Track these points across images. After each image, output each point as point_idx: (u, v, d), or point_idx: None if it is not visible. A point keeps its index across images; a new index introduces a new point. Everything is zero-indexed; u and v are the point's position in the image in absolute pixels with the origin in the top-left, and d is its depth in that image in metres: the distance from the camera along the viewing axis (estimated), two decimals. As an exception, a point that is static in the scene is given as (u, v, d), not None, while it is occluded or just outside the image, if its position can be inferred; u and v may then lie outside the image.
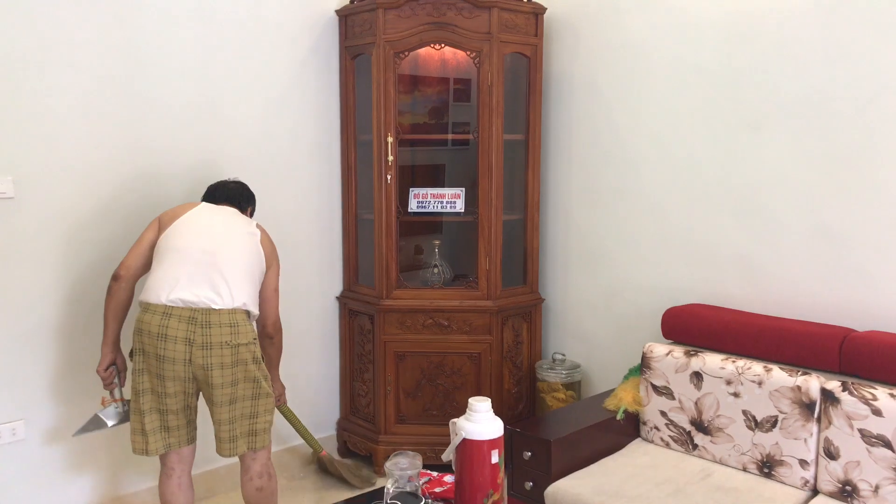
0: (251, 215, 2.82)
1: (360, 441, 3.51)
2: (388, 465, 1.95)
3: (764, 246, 2.83)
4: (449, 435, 1.97)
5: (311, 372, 3.57)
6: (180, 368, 2.37)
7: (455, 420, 1.97)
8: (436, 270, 3.54)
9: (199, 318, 2.36)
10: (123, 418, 2.58)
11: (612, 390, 2.94)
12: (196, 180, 3.06)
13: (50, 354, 2.82)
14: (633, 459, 2.66)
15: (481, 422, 1.93)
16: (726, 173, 2.91)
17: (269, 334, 2.67)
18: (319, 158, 3.50)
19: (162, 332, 2.36)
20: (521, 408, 3.50)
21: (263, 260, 2.58)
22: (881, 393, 2.25)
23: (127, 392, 2.58)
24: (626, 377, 2.96)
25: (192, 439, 2.55)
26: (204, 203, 2.64)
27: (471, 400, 1.95)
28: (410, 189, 3.43)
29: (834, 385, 2.35)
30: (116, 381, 2.57)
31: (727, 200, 2.92)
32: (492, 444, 1.93)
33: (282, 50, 3.32)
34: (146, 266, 2.53)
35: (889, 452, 2.21)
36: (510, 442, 2.66)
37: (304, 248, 3.49)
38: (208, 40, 3.10)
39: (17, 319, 2.74)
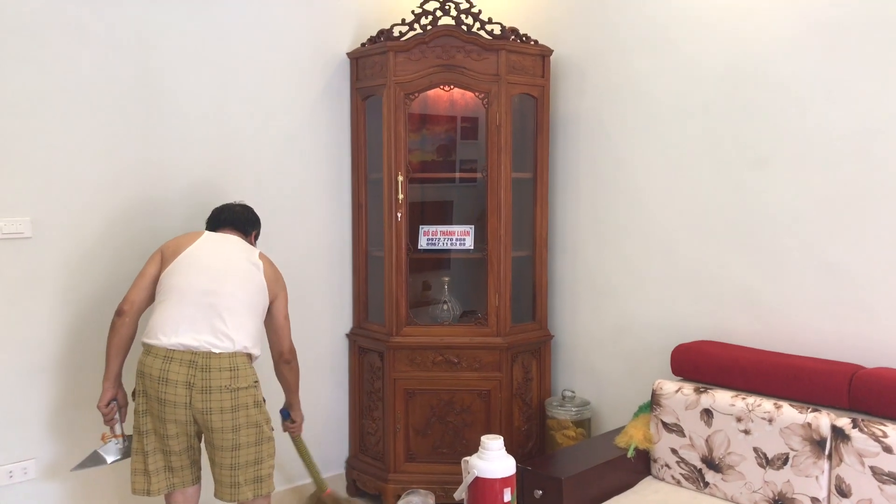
0: (256, 239, 2.85)
1: (369, 480, 3.50)
2: (400, 503, 1.96)
3: (769, 282, 2.85)
4: (460, 473, 1.98)
5: (320, 409, 3.58)
6: (181, 412, 2.40)
7: (467, 458, 1.99)
8: (445, 307, 3.56)
9: (199, 361, 2.38)
10: (124, 454, 2.58)
11: (623, 427, 2.94)
12: (205, 217, 3.11)
13: (61, 392, 2.84)
14: (645, 497, 2.66)
15: (494, 460, 1.95)
16: (732, 210, 2.95)
17: (286, 360, 2.71)
18: (330, 196, 3.55)
19: (163, 377, 2.38)
20: (530, 445, 3.50)
21: (267, 293, 2.59)
22: (891, 430, 2.26)
23: (128, 428, 2.60)
24: (636, 414, 2.96)
25: (196, 479, 2.56)
26: (207, 233, 2.66)
27: (483, 438, 1.97)
28: (420, 226, 3.47)
29: (844, 422, 2.35)
30: (117, 416, 2.57)
31: (733, 237, 2.95)
32: (504, 482, 1.94)
33: (295, 91, 3.40)
34: (149, 300, 2.55)
35: (901, 490, 2.21)
36: (521, 480, 2.66)
37: (315, 285, 3.53)
38: (224, 82, 3.18)
39: (31, 357, 2.77)
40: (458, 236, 3.45)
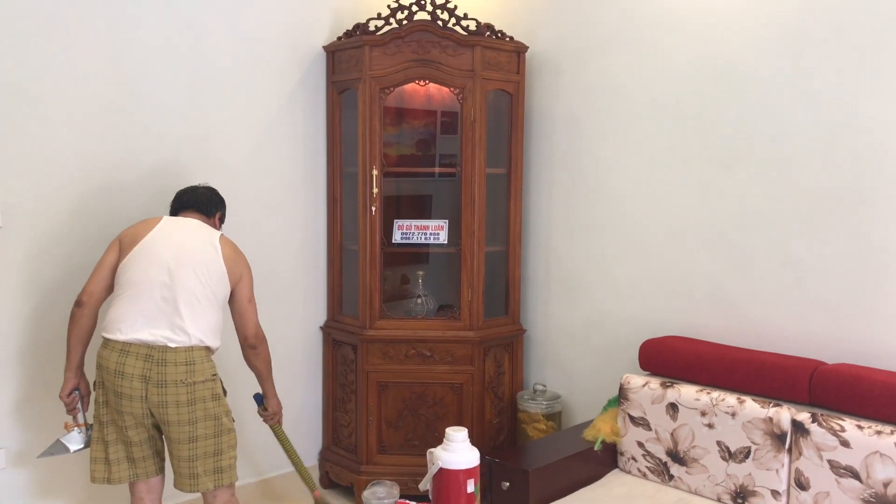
0: (221, 221, 2.81)
1: (342, 472, 3.52)
2: (365, 493, 1.98)
3: (736, 279, 2.90)
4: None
5: (295, 402, 3.59)
6: (137, 405, 2.40)
7: (432, 450, 2.01)
8: (419, 301, 3.58)
9: (155, 355, 2.38)
10: (86, 443, 2.59)
11: (591, 421, 2.98)
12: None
13: (29, 381, 2.83)
14: (611, 490, 2.70)
15: (458, 451, 1.97)
16: (701, 208, 2.99)
17: (251, 345, 2.64)
18: (306, 190, 3.56)
19: (119, 370, 2.39)
20: (502, 438, 3.53)
21: (227, 279, 2.54)
22: (849, 424, 2.31)
23: (90, 417, 2.60)
24: (605, 408, 3.00)
25: (160, 469, 2.57)
26: (165, 219, 2.60)
27: (448, 430, 1.99)
28: (395, 220, 3.49)
29: (804, 416, 2.40)
30: (79, 406, 2.58)
31: (702, 234, 2.99)
32: (468, 473, 1.96)
33: (270, 84, 3.40)
34: (108, 290, 2.53)
35: (857, 483, 2.26)
36: (489, 472, 2.70)
37: (290, 278, 3.54)
38: (199, 74, 3.17)
39: (3, 345, 2.77)
40: (432, 231, 3.47)
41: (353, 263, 3.49)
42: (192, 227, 2.61)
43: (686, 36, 3.00)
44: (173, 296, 2.42)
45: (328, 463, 3.62)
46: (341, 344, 3.53)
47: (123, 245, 2.53)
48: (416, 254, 3.71)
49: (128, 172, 3.01)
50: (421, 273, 3.61)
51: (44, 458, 2.63)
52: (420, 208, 3.83)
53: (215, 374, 2.50)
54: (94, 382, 2.53)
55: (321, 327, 3.65)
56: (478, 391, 3.38)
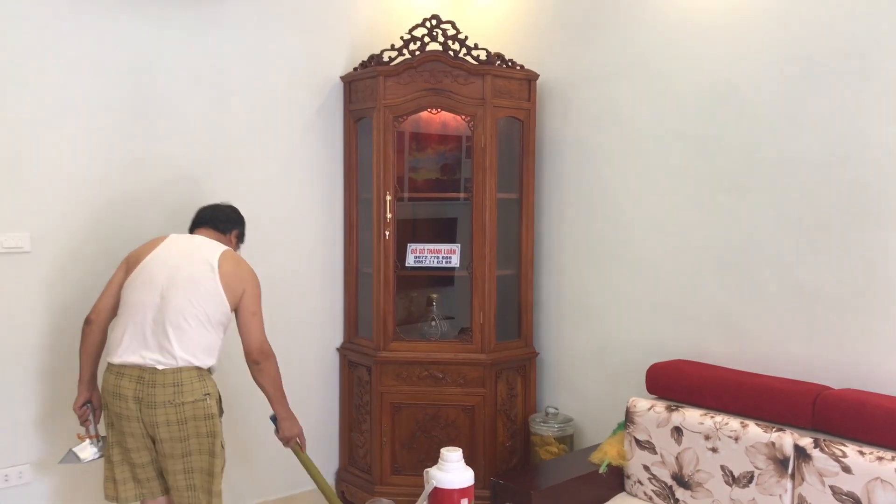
0: (239, 239, 2.87)
1: (356, 492, 3.58)
2: (362, 511, 2.04)
3: (743, 304, 2.91)
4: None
5: (312, 422, 3.65)
6: (135, 425, 2.48)
7: (428, 469, 2.06)
8: (433, 324, 3.64)
9: (146, 377, 2.46)
10: (96, 454, 2.67)
11: (599, 444, 3.00)
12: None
13: (55, 397, 2.95)
14: (615, 513, 2.71)
15: (452, 471, 2.02)
16: (708, 233, 3.01)
17: (253, 360, 2.61)
18: (323, 215, 3.66)
19: (116, 391, 2.48)
20: (515, 461, 3.56)
21: (224, 297, 2.54)
22: (850, 450, 2.30)
23: (102, 429, 2.69)
24: (614, 431, 3.02)
25: (165, 490, 2.61)
26: (170, 238, 2.65)
27: (443, 450, 2.05)
28: (408, 244, 3.57)
29: (806, 442, 2.40)
30: (91, 418, 2.67)
31: (709, 259, 3.01)
32: (462, 493, 2.01)
33: (290, 113, 3.52)
34: (116, 308, 2.61)
35: (859, 509, 2.25)
36: (494, 494, 2.73)
37: (308, 300, 3.63)
38: (221, 105, 3.31)
39: (31, 363, 2.90)
40: (444, 254, 3.54)
41: (368, 286, 3.57)
42: (194, 245, 2.64)
43: (690, 63, 3.04)
44: (162, 318, 2.48)
45: (344, 483, 3.68)
46: (357, 365, 3.60)
47: (129, 264, 2.62)
48: (433, 277, 3.78)
49: (150, 199, 3.14)
50: (435, 296, 3.67)
51: (62, 464, 2.75)
52: (444, 231, 3.89)
53: (208, 394, 2.52)
54: (103, 404, 2.63)
55: (337, 349, 3.73)
56: (490, 413, 3.42)
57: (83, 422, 2.68)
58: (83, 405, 2.65)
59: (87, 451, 2.66)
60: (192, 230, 2.81)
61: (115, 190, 3.05)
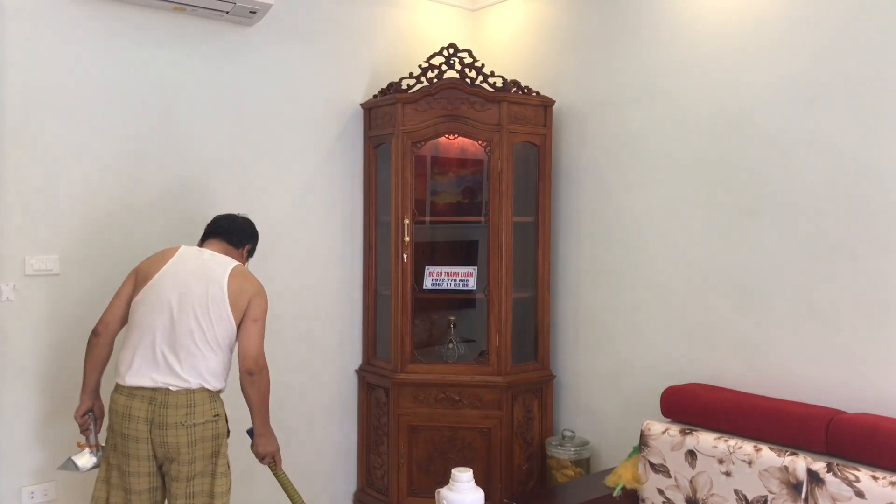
0: (250, 254, 2.85)
1: (374, 512, 3.61)
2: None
3: (758, 328, 2.91)
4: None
5: (331, 443, 3.72)
6: (143, 447, 2.48)
7: (440, 490, 2.10)
8: (451, 346, 3.68)
9: (158, 398, 2.47)
10: (95, 463, 2.66)
11: (615, 467, 3.00)
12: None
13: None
14: (629, 536, 2.72)
15: (462, 491, 2.06)
16: (722, 258, 3.03)
17: (248, 369, 2.54)
18: (343, 238, 3.73)
19: (126, 413, 2.47)
20: (531, 484, 3.57)
21: (232, 319, 2.54)
22: (864, 475, 2.29)
23: (102, 438, 2.69)
24: (630, 455, 3.02)
25: None
26: (181, 251, 2.62)
27: (454, 470, 2.09)
28: (426, 267, 3.62)
29: (819, 466, 2.39)
30: (91, 427, 2.67)
31: (723, 283, 3.02)
32: (472, 513, 2.04)
33: (311, 139, 3.61)
34: (123, 320, 2.61)
35: (873, 535, 2.24)
36: (508, 515, 2.75)
37: (327, 322, 3.69)
38: (243, 131, 3.41)
39: (58, 383, 2.98)
40: (461, 277, 3.59)
41: (387, 308, 3.62)
42: (204, 263, 2.60)
43: (704, 89, 3.08)
44: (173, 342, 2.49)
45: (362, 504, 3.72)
46: (375, 387, 3.65)
47: (138, 279, 2.60)
48: (451, 300, 3.82)
49: (176, 223, 3.23)
50: (453, 318, 3.72)
51: (61, 470, 2.74)
52: (464, 254, 3.93)
53: (218, 415, 2.54)
54: (108, 426, 2.62)
55: (356, 370, 3.78)
56: (506, 436, 3.44)
57: (84, 430, 2.67)
58: (84, 413, 2.65)
59: (86, 459, 2.64)
60: (205, 237, 2.77)
61: (141, 214, 3.14)
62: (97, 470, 2.64)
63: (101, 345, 2.61)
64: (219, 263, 2.61)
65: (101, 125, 3.05)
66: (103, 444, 2.68)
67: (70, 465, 2.65)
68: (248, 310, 2.57)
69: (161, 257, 2.62)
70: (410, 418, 3.47)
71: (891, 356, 2.57)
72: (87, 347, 2.64)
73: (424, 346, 3.77)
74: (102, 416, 2.71)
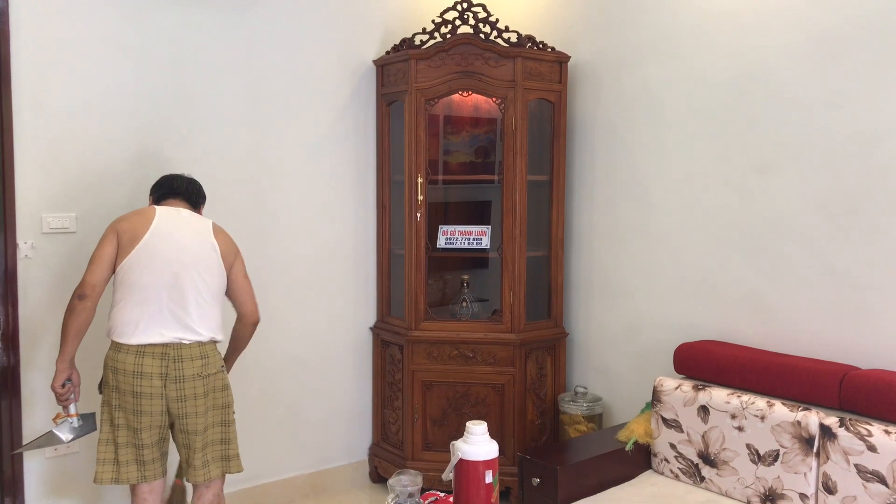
0: (201, 212, 2.83)
1: (389, 466, 3.67)
2: (390, 481, 2.11)
3: (772, 284, 2.91)
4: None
5: (346, 399, 3.77)
6: (157, 402, 2.50)
7: (454, 442, 2.13)
8: (464, 304, 3.70)
9: (171, 353, 2.50)
10: (78, 433, 2.62)
11: (628, 422, 3.03)
12: (241, 217, 3.33)
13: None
14: (641, 489, 2.75)
15: (477, 444, 2.08)
16: (737, 214, 3.01)
17: (253, 322, 2.72)
18: (356, 197, 3.73)
19: (137, 370, 2.48)
20: (544, 439, 3.61)
21: (225, 274, 2.63)
22: (876, 429, 2.31)
23: (82, 407, 2.68)
24: (642, 410, 3.06)
25: (163, 473, 2.63)
26: (160, 212, 2.60)
27: (468, 423, 2.10)
28: (440, 226, 3.62)
29: (832, 421, 2.41)
30: (72, 396, 2.60)
31: (738, 240, 3.01)
32: (486, 464, 2.06)
33: (323, 98, 3.59)
34: (107, 281, 2.56)
35: (884, 488, 2.26)
36: (521, 469, 2.79)
37: (341, 281, 3.72)
38: (258, 91, 3.40)
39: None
40: (475, 236, 3.59)
41: (400, 267, 3.64)
42: (188, 222, 2.63)
43: (720, 44, 3.03)
44: (181, 297, 2.52)
45: (377, 458, 3.78)
46: (389, 344, 3.69)
47: (122, 242, 2.53)
48: (468, 259, 3.82)
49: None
50: (466, 277, 3.73)
51: (24, 451, 2.69)
52: (477, 214, 3.93)
53: (223, 366, 2.64)
54: (101, 384, 2.61)
55: (371, 328, 3.82)
56: (519, 392, 3.48)
57: (63, 401, 2.60)
58: (64, 383, 2.57)
59: (69, 430, 2.58)
60: (163, 197, 2.73)
61: (154, 172, 3.13)
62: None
63: (87, 309, 2.51)
64: (198, 220, 2.68)
65: (114, 83, 3.04)
66: (83, 413, 2.64)
67: (52, 438, 2.57)
68: (236, 269, 2.68)
69: (142, 217, 2.58)
70: (425, 374, 3.51)
71: (906, 313, 2.56)
72: (68, 312, 2.52)
73: (437, 306, 3.79)
74: (80, 384, 2.63)
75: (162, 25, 3.13)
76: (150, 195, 2.78)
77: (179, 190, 2.74)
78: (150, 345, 2.50)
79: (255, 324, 2.74)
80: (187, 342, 2.53)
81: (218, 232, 2.67)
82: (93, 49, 2.98)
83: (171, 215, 2.63)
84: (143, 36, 3.09)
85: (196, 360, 2.53)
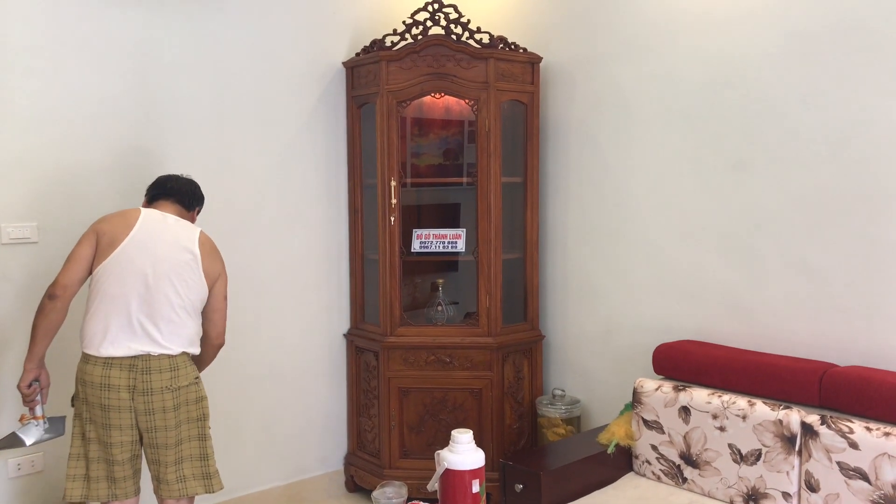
0: (197, 215, 2.78)
1: (365, 476, 3.61)
2: (375, 493, 2.07)
3: (749, 283, 2.92)
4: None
5: (320, 407, 3.70)
6: (126, 416, 2.42)
7: (439, 451, 2.08)
8: (440, 308, 3.66)
9: (139, 364, 2.41)
10: (43, 437, 2.53)
11: (608, 425, 3.02)
12: (209, 223, 3.23)
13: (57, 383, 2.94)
14: (624, 492, 2.74)
15: (463, 453, 2.04)
16: (712, 213, 3.02)
17: (219, 344, 2.65)
18: (328, 201, 3.66)
19: (105, 383, 2.40)
20: (522, 443, 3.58)
21: (205, 286, 2.54)
22: (857, 426, 2.32)
23: (48, 410, 2.57)
24: (621, 412, 3.04)
25: (136, 491, 2.54)
26: (144, 215, 2.51)
27: (454, 432, 2.06)
28: (414, 230, 3.57)
29: (813, 419, 2.42)
30: (38, 398, 2.51)
31: (714, 239, 3.02)
32: (473, 473, 2.03)
33: (292, 100, 3.52)
34: (81, 283, 2.48)
35: (866, 485, 2.27)
36: (503, 475, 2.76)
37: (313, 287, 3.64)
38: (223, 92, 3.31)
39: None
40: (450, 239, 3.55)
41: (374, 272, 3.58)
42: (172, 230, 2.53)
43: (693, 44, 3.03)
44: (151, 311, 2.43)
45: (353, 467, 3.71)
46: (364, 351, 3.62)
47: (101, 244, 2.45)
48: (439, 262, 3.78)
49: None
50: (441, 281, 3.68)
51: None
52: (447, 217, 3.89)
53: (198, 378, 2.55)
54: (73, 398, 2.52)
55: (344, 335, 3.75)
56: (497, 396, 3.44)
57: (29, 402, 2.51)
58: (31, 384, 2.48)
59: (33, 433, 2.49)
60: (155, 198, 2.64)
61: (119, 179, 3.05)
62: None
63: (57, 310, 2.42)
64: (184, 228, 2.57)
65: (77, 86, 2.94)
66: (50, 416, 2.55)
67: (14, 440, 2.48)
68: (218, 286, 2.58)
69: (124, 221, 2.49)
70: (401, 381, 3.45)
71: (881, 310, 2.58)
72: (38, 312, 2.44)
73: (409, 310, 3.73)
74: (48, 385, 2.55)
75: (125, 26, 3.03)
76: (145, 195, 2.69)
77: (173, 191, 2.64)
78: (118, 357, 2.41)
79: (220, 346, 2.67)
80: (156, 354, 2.44)
81: (204, 244, 2.56)
82: (54, 52, 2.88)
83: (156, 221, 2.52)
84: (106, 37, 2.99)
85: (165, 371, 2.44)
